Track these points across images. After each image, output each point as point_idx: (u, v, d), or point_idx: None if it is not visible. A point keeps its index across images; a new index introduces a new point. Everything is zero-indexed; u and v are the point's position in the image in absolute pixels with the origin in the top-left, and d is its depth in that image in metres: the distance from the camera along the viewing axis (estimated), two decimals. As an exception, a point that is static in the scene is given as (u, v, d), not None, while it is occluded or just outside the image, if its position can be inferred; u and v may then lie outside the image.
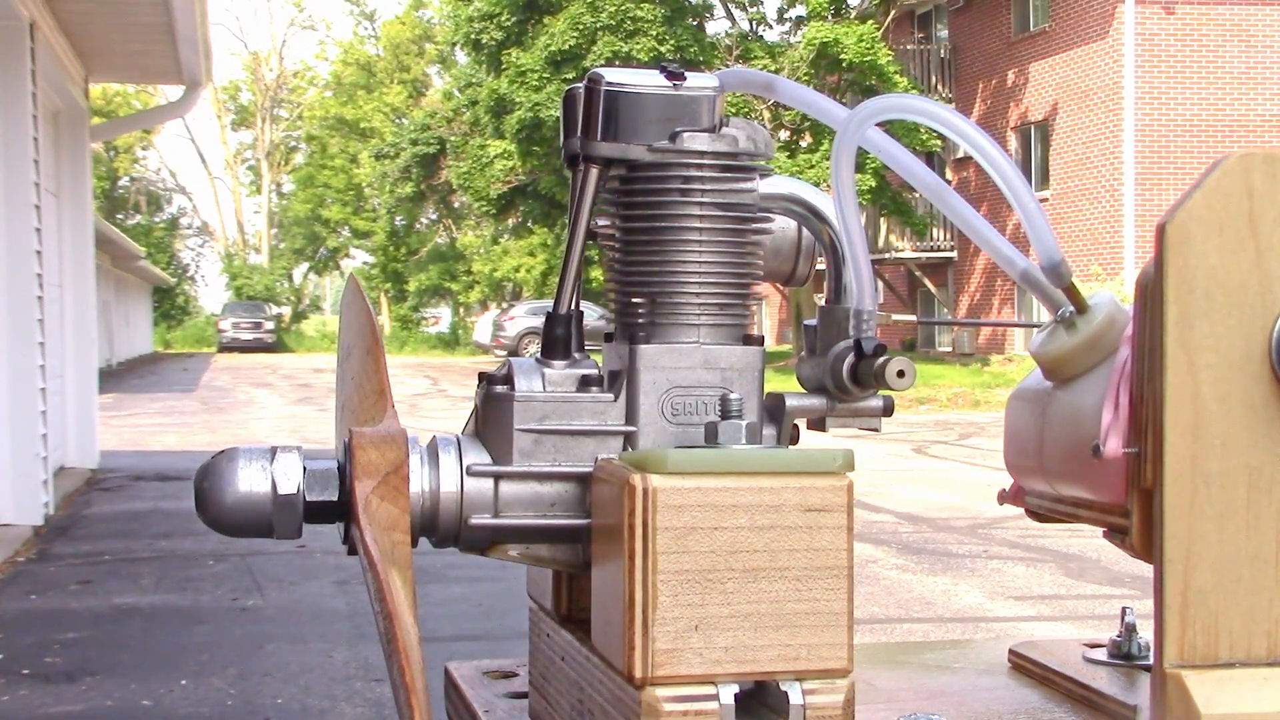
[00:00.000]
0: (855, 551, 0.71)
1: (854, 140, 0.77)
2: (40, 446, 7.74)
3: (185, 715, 4.31)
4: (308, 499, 0.66)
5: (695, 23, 26.71)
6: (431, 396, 20.48)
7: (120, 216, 53.69)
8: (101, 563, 6.90)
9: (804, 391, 0.79)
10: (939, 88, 27.66)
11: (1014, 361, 23.48)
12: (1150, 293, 0.71)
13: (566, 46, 25.33)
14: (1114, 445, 0.74)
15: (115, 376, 25.10)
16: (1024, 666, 0.93)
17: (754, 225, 0.78)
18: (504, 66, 26.93)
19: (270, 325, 45.36)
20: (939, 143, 23.55)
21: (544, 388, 0.74)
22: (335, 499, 0.66)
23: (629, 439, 0.74)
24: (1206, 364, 0.69)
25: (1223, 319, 0.69)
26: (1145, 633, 0.86)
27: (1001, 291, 25.96)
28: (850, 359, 0.76)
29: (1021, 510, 0.90)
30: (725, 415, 0.70)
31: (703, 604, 0.63)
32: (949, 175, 26.12)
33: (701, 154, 0.75)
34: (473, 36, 27.88)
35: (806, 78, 23.75)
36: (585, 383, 0.74)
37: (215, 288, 60.75)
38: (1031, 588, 6.55)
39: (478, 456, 0.73)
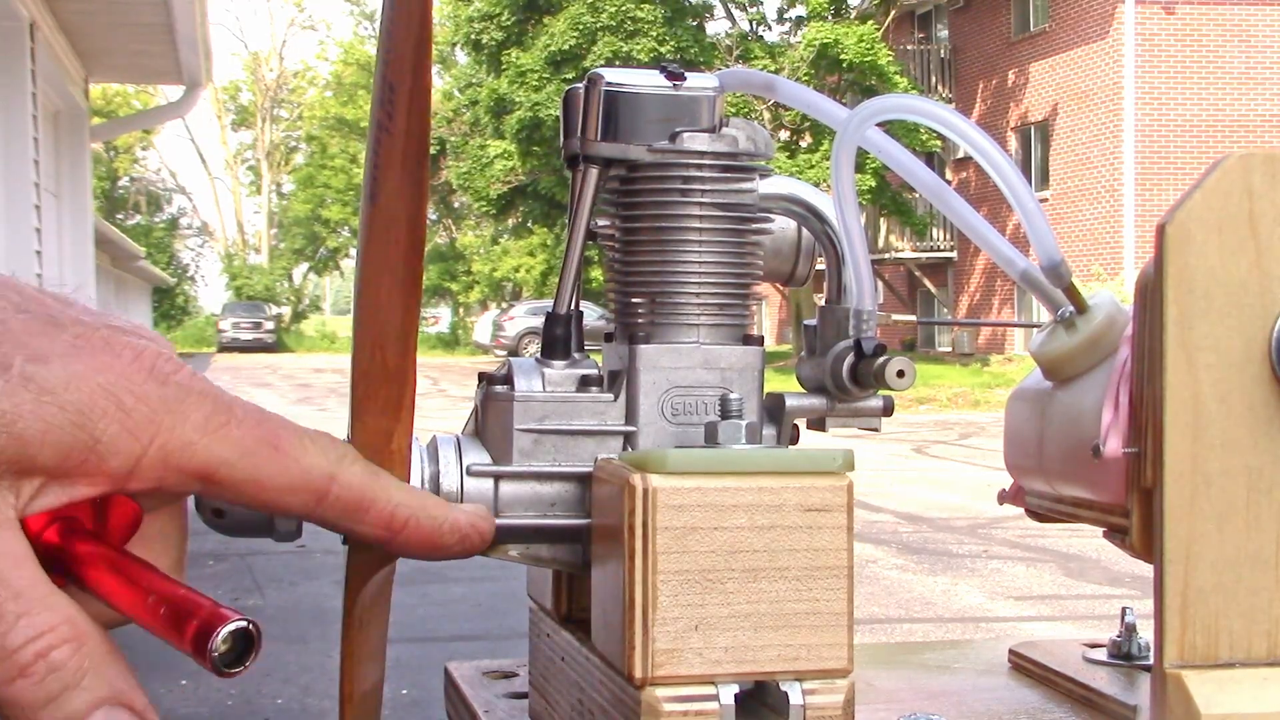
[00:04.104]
0: (855, 551, 0.70)
1: (854, 140, 0.77)
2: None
3: (185, 715, 4.31)
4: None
5: (695, 23, 26.73)
6: (431, 396, 20.48)
7: (120, 216, 53.70)
8: (101, 563, 6.89)
9: (804, 391, 0.79)
10: (939, 88, 27.68)
11: (1014, 361, 23.48)
12: (1150, 293, 0.71)
13: (566, 47, 25.35)
14: (1114, 445, 0.74)
15: (115, 376, 25.02)
16: (1024, 666, 0.93)
17: (754, 225, 0.78)
18: (504, 66, 26.95)
19: (270, 325, 45.35)
20: (939, 143, 23.56)
21: (544, 388, 0.73)
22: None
23: (629, 439, 0.73)
24: (1206, 364, 0.69)
25: (1222, 319, 0.69)
26: (1145, 633, 0.86)
27: (1001, 291, 25.96)
28: (850, 359, 0.76)
29: (1021, 510, 0.90)
30: (725, 415, 0.69)
31: (703, 604, 0.63)
32: (949, 175, 26.12)
33: (701, 154, 0.75)
34: (473, 37, 27.90)
35: (806, 78, 23.76)
36: (585, 383, 0.74)
37: (215, 288, 60.78)
38: (1031, 588, 6.55)
39: (478, 456, 0.72)
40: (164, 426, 0.47)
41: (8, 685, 0.44)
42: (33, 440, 0.45)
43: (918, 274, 28.72)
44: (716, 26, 31.40)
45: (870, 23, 25.74)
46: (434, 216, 47.76)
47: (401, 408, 0.58)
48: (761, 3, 28.55)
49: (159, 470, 0.48)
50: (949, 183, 0.79)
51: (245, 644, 0.46)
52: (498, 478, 0.72)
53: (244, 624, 0.46)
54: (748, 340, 0.77)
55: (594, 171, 0.75)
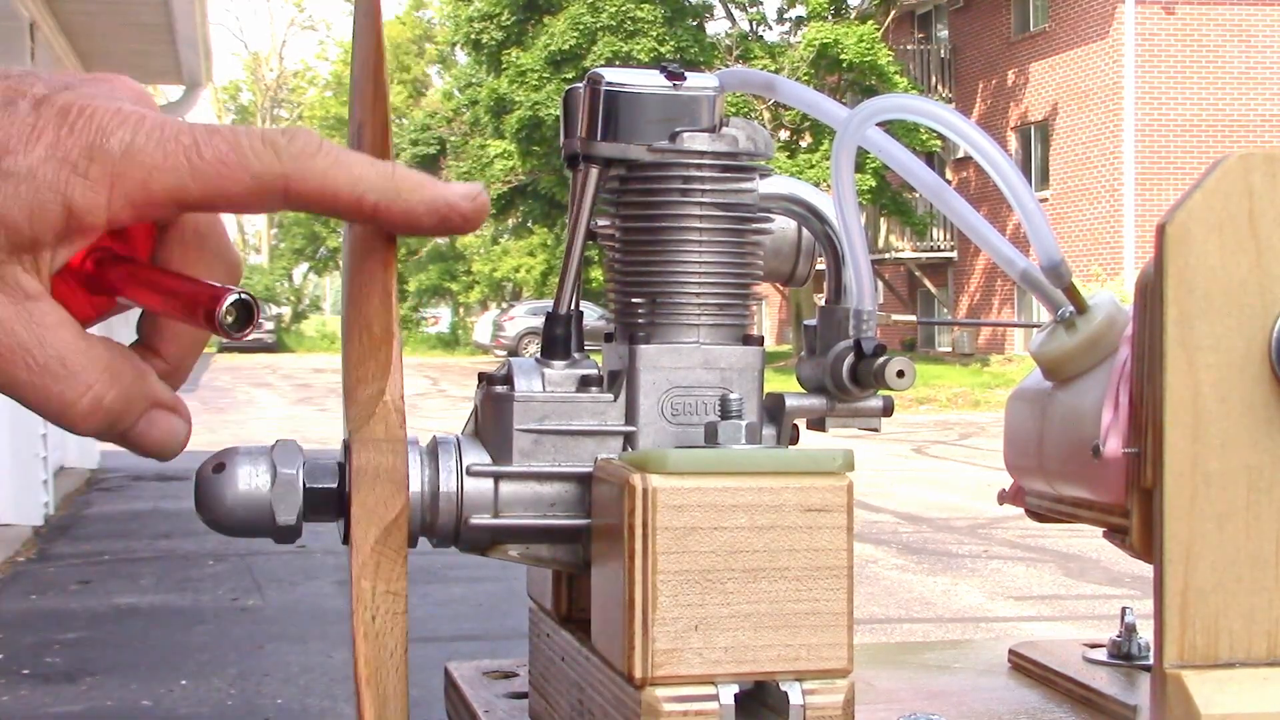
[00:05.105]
0: (855, 551, 0.71)
1: (854, 140, 0.77)
2: (40, 446, 7.74)
3: (185, 715, 4.31)
4: (308, 485, 0.66)
5: (695, 23, 26.73)
6: (431, 396, 20.48)
7: (120, 216, 53.55)
8: (101, 563, 6.90)
9: (804, 391, 0.79)
10: (939, 88, 27.67)
11: (1014, 361, 23.47)
12: (1150, 293, 0.71)
13: (566, 46, 25.35)
14: (1114, 445, 0.74)
15: (115, 376, 25.01)
16: (1024, 666, 0.93)
17: (754, 225, 0.78)
18: (504, 66, 26.95)
19: (270, 325, 45.31)
20: (939, 143, 23.55)
21: (544, 388, 0.73)
22: (334, 486, 0.66)
23: (629, 439, 0.73)
24: (1206, 364, 0.69)
25: (1222, 319, 0.69)
26: (1145, 633, 0.86)
27: (1001, 291, 25.96)
28: (850, 359, 0.76)
29: (1021, 510, 0.90)
30: (725, 415, 0.69)
31: (703, 604, 0.63)
32: (949, 175, 26.11)
33: (701, 154, 0.75)
34: (473, 36, 27.90)
35: (806, 78, 23.76)
36: (585, 383, 0.74)
37: (215, 288, 60.48)
38: (1031, 588, 6.55)
39: (477, 456, 0.72)
40: (118, 174, 0.54)
41: (82, 424, 0.56)
42: (22, 221, 0.53)
43: (918, 274, 28.71)
44: (716, 26, 31.38)
45: (870, 23, 25.73)
46: (434, 216, 47.59)
47: (389, 368, 0.59)
48: (761, 3, 28.56)
49: (130, 208, 0.54)
50: (949, 183, 0.79)
51: (247, 311, 0.55)
52: (498, 478, 0.72)
53: (242, 296, 0.55)
54: (748, 340, 0.77)
55: (594, 171, 0.75)
